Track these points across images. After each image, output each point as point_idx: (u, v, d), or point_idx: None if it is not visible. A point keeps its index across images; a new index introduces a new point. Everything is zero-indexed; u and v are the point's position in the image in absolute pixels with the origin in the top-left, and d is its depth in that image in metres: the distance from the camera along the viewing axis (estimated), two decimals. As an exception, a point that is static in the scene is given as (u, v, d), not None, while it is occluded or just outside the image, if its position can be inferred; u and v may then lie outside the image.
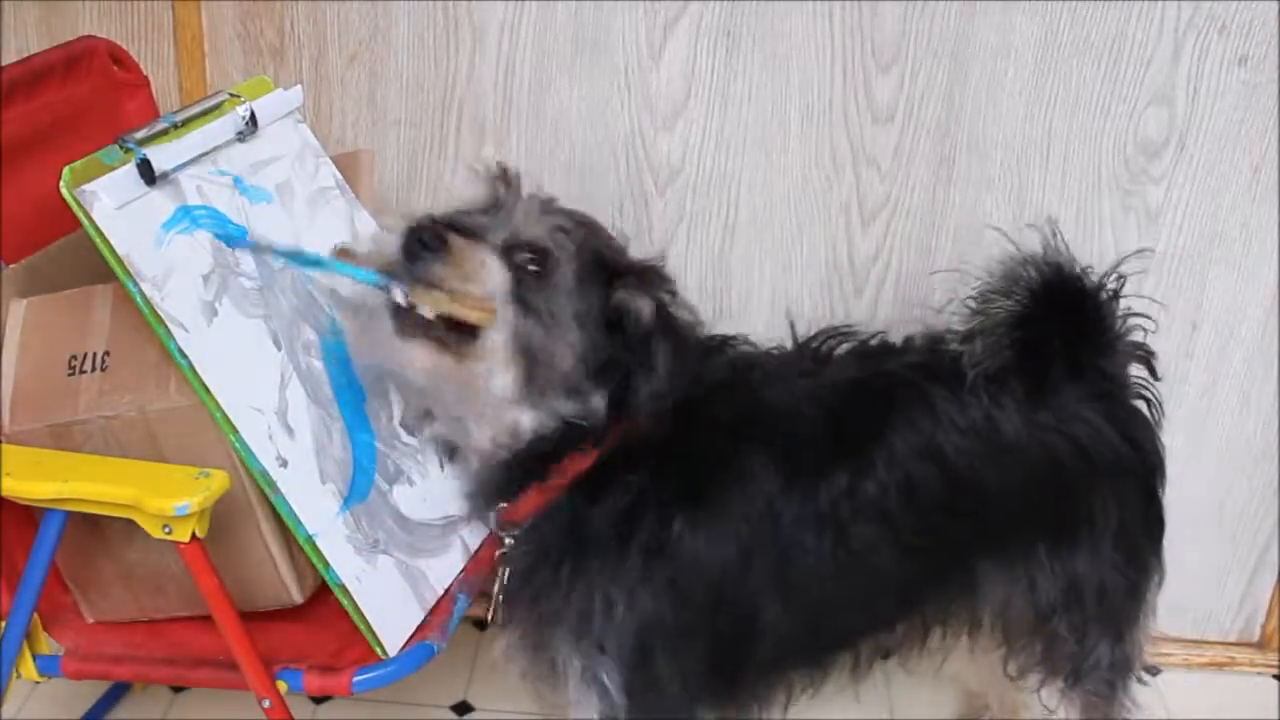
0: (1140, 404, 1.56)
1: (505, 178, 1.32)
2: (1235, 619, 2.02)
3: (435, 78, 1.82)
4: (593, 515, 1.34)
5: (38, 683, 1.61)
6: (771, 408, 1.42)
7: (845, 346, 1.51)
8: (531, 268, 1.26)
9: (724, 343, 1.47)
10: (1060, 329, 1.50)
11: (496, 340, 1.23)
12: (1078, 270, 1.52)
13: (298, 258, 1.40)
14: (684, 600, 1.35)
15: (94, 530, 1.46)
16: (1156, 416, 1.57)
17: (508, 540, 1.37)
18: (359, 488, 1.46)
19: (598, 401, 1.29)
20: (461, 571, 1.53)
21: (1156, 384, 1.58)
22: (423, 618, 1.46)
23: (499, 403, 1.27)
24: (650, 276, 1.35)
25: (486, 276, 1.23)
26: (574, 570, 1.34)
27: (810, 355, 1.51)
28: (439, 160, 1.86)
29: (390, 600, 1.43)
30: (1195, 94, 1.73)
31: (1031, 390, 1.47)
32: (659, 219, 1.86)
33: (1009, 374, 1.46)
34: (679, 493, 1.35)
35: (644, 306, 1.30)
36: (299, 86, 1.64)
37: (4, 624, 1.44)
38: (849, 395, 1.46)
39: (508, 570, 1.38)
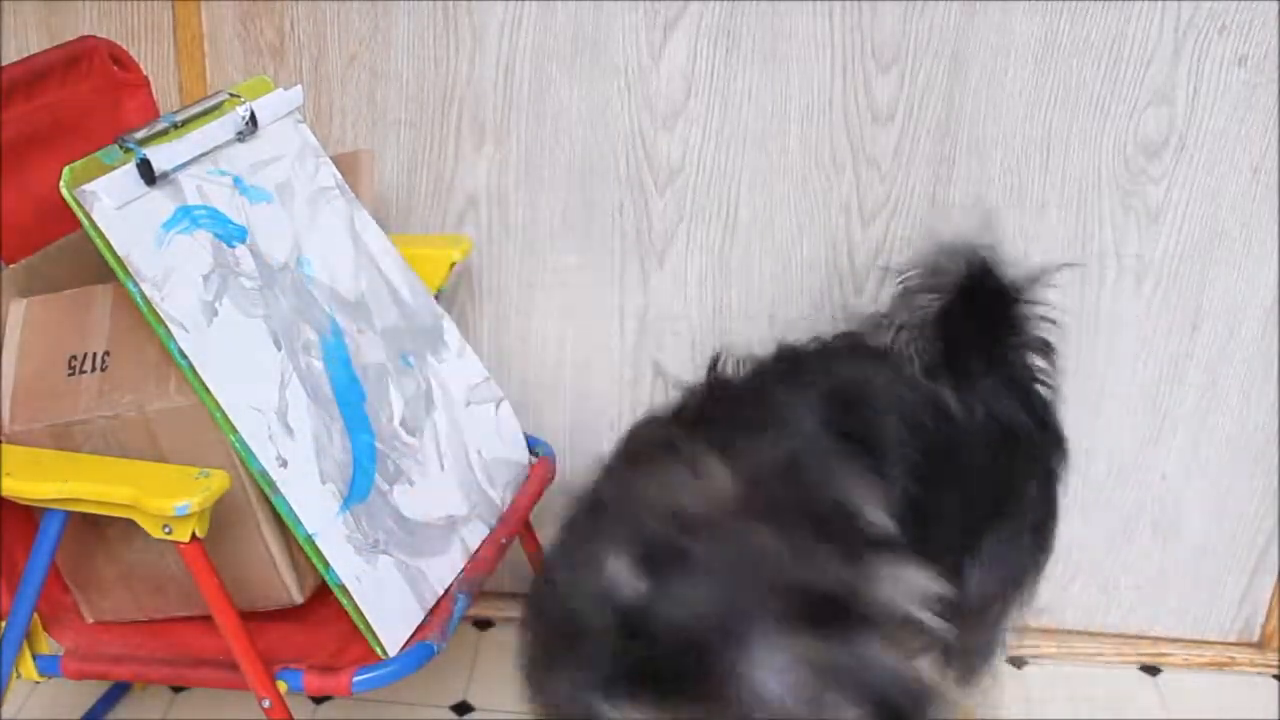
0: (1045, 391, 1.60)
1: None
2: (1235, 619, 2.02)
3: (435, 78, 1.82)
4: None
5: (38, 683, 1.61)
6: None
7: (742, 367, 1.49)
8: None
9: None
10: (979, 324, 1.53)
11: None
12: (995, 267, 1.53)
13: None
14: None
15: (94, 530, 1.46)
16: (1048, 399, 1.60)
17: None
18: (359, 488, 1.46)
19: None
20: (461, 571, 1.53)
21: (1055, 375, 1.61)
22: (423, 618, 1.46)
23: None
24: None
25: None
26: None
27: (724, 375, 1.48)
28: (439, 160, 1.86)
29: (390, 600, 1.43)
30: (1195, 94, 1.73)
31: (959, 382, 1.49)
32: (659, 219, 1.86)
33: (939, 367, 1.49)
34: None
35: None
36: (299, 86, 1.64)
37: (4, 624, 1.44)
38: (828, 385, 1.44)
39: None
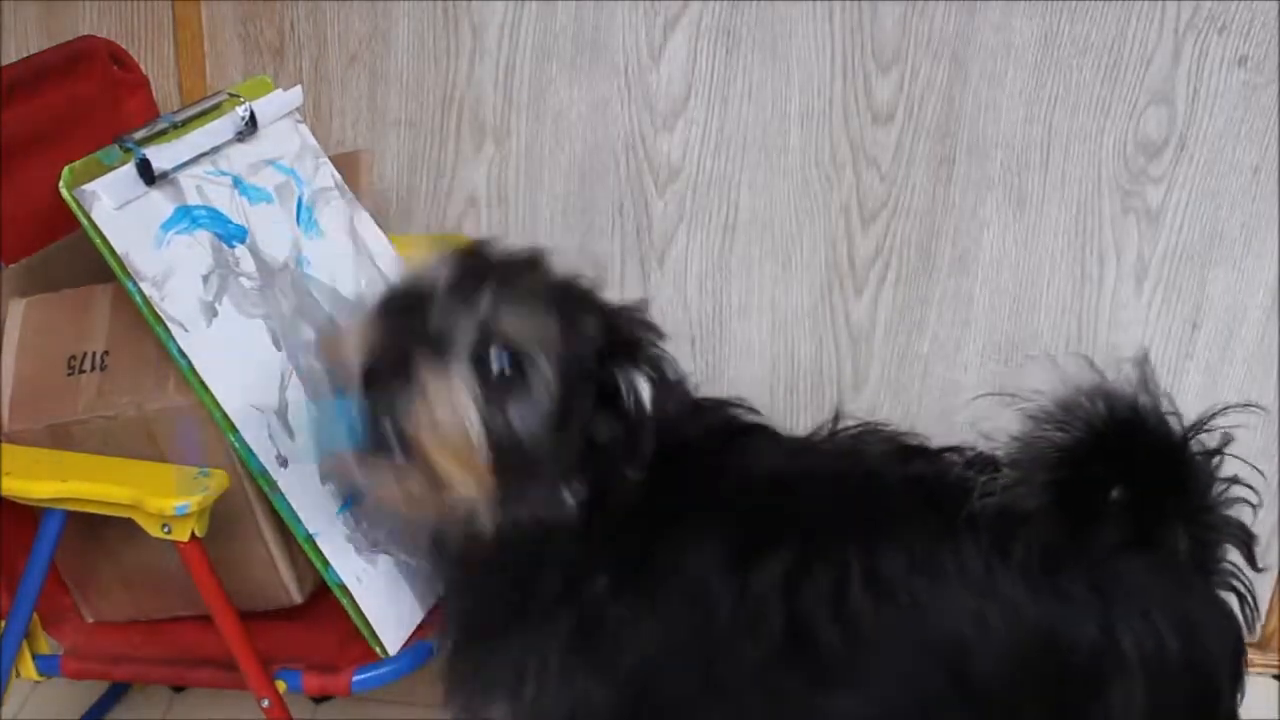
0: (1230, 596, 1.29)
1: (476, 255, 1.23)
2: (1235, 619, 2.02)
3: (435, 78, 1.82)
4: (534, 578, 1.25)
5: (37, 683, 1.61)
6: (739, 478, 1.28)
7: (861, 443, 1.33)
8: (507, 372, 1.15)
9: (719, 406, 1.35)
10: (1124, 480, 1.21)
11: (470, 478, 1.17)
12: (1160, 415, 1.22)
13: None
14: (611, 680, 1.24)
15: (93, 530, 1.45)
16: (1250, 616, 1.31)
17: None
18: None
19: (575, 494, 1.21)
20: (461, 571, 1.53)
21: (1254, 575, 1.31)
22: (423, 617, 1.46)
23: (464, 516, 1.22)
24: (642, 343, 1.25)
25: (461, 421, 1.13)
26: (510, 634, 1.27)
27: (817, 443, 1.34)
28: (439, 160, 1.86)
29: (390, 599, 1.43)
30: (1195, 94, 1.73)
31: (1061, 543, 1.19)
32: (659, 219, 1.86)
33: (1037, 520, 1.19)
34: (615, 558, 1.24)
35: (643, 388, 1.21)
36: (299, 87, 1.64)
37: (4, 624, 1.44)
38: (822, 488, 1.27)
39: (450, 640, 1.33)
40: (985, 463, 1.25)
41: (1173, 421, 1.24)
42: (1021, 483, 1.19)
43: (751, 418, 1.35)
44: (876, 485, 1.27)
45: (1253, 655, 2.02)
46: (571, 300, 1.23)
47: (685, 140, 1.81)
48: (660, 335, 1.28)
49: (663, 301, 1.90)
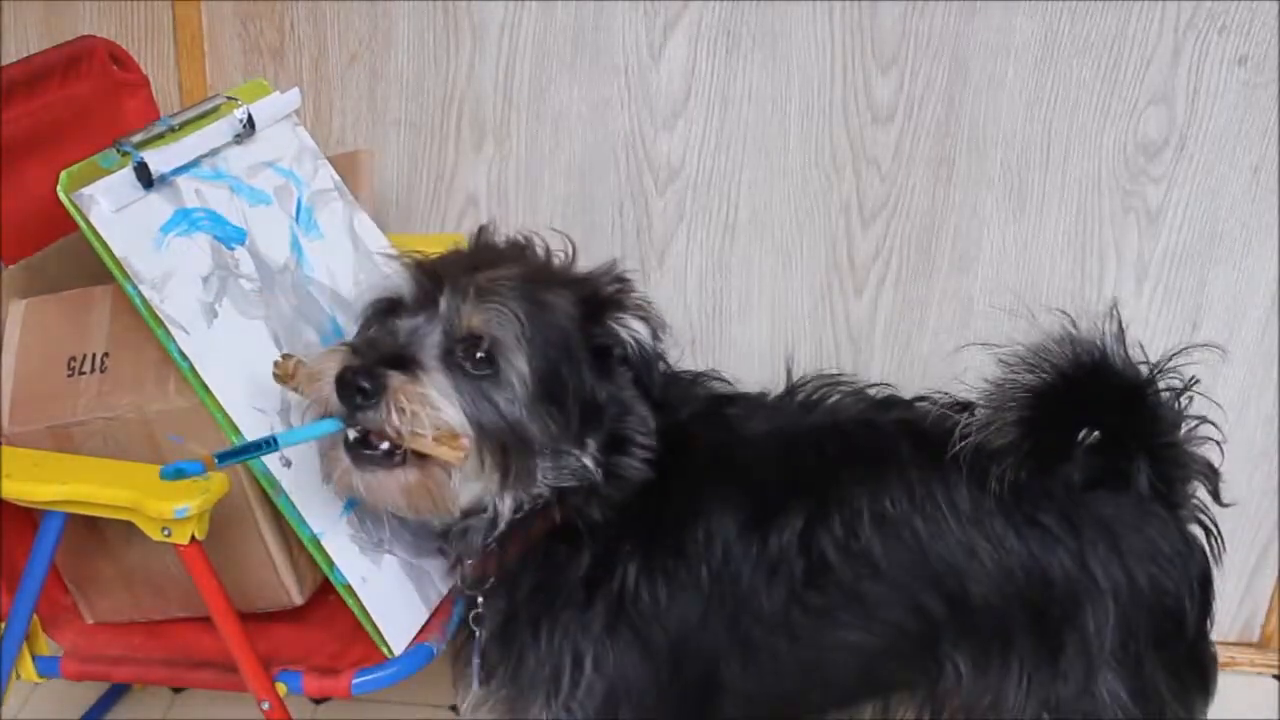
0: (1197, 531, 1.37)
1: (427, 272, 1.30)
2: (1235, 619, 2.02)
3: (435, 78, 1.82)
4: (562, 567, 1.32)
5: (37, 684, 1.61)
6: (742, 446, 1.38)
7: (837, 396, 1.42)
8: (480, 360, 1.25)
9: (697, 377, 1.45)
10: (1091, 421, 1.33)
11: (467, 460, 1.25)
12: (1126, 359, 1.32)
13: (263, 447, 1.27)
14: (647, 655, 1.32)
15: (94, 532, 1.45)
16: (1217, 550, 1.37)
17: (479, 600, 1.38)
18: (360, 489, 1.46)
19: (590, 456, 1.30)
20: (461, 572, 1.53)
21: (1219, 509, 1.38)
22: (428, 617, 1.46)
23: (476, 502, 1.31)
24: (625, 295, 1.34)
25: (437, 409, 1.22)
26: (545, 628, 1.33)
27: (799, 400, 1.43)
28: (439, 160, 1.86)
29: (395, 600, 1.43)
30: (1195, 94, 1.73)
31: (1031, 477, 1.30)
32: (659, 219, 1.86)
33: (1006, 455, 1.29)
34: (640, 538, 1.32)
35: (638, 330, 1.32)
36: (296, 90, 1.63)
37: (4, 625, 1.44)
38: (823, 442, 1.37)
39: (484, 633, 1.38)
40: (961, 407, 1.37)
41: (1141, 366, 1.33)
42: (993, 421, 1.29)
43: (728, 388, 1.45)
44: (871, 433, 1.37)
45: (1252, 655, 2.02)
46: (539, 281, 1.31)
47: (685, 140, 1.81)
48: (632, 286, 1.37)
49: (663, 301, 1.89)
